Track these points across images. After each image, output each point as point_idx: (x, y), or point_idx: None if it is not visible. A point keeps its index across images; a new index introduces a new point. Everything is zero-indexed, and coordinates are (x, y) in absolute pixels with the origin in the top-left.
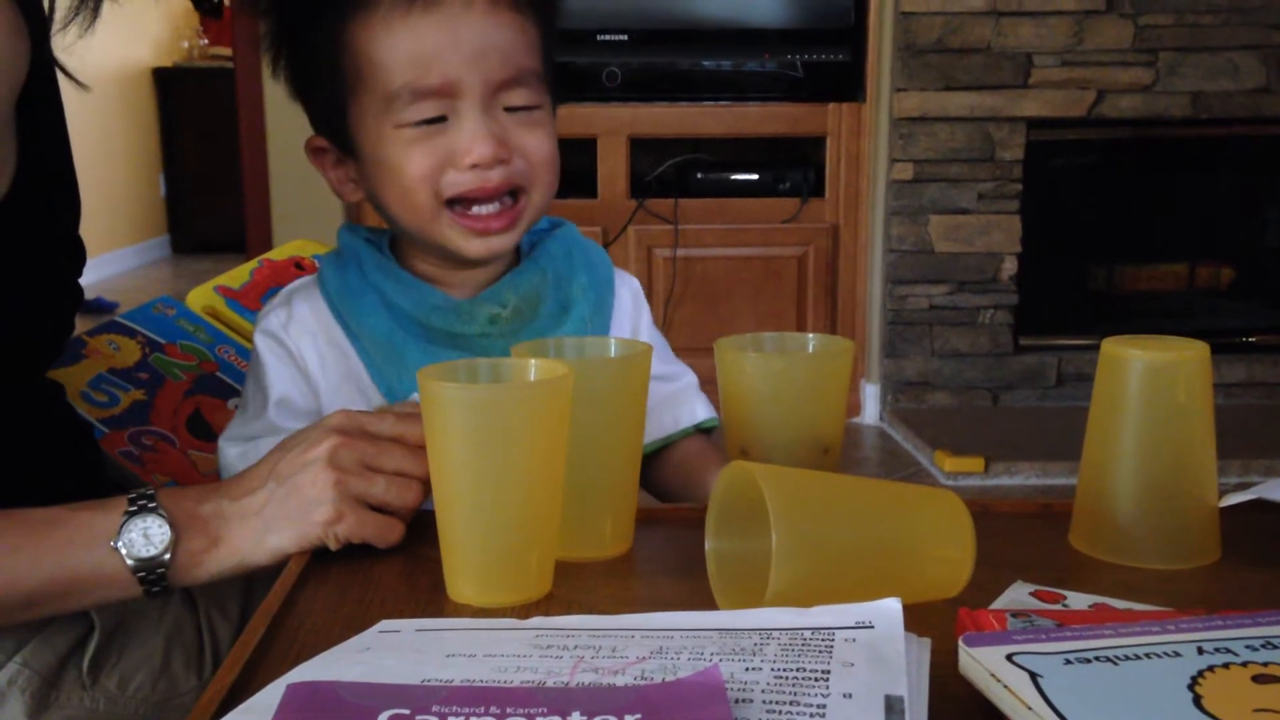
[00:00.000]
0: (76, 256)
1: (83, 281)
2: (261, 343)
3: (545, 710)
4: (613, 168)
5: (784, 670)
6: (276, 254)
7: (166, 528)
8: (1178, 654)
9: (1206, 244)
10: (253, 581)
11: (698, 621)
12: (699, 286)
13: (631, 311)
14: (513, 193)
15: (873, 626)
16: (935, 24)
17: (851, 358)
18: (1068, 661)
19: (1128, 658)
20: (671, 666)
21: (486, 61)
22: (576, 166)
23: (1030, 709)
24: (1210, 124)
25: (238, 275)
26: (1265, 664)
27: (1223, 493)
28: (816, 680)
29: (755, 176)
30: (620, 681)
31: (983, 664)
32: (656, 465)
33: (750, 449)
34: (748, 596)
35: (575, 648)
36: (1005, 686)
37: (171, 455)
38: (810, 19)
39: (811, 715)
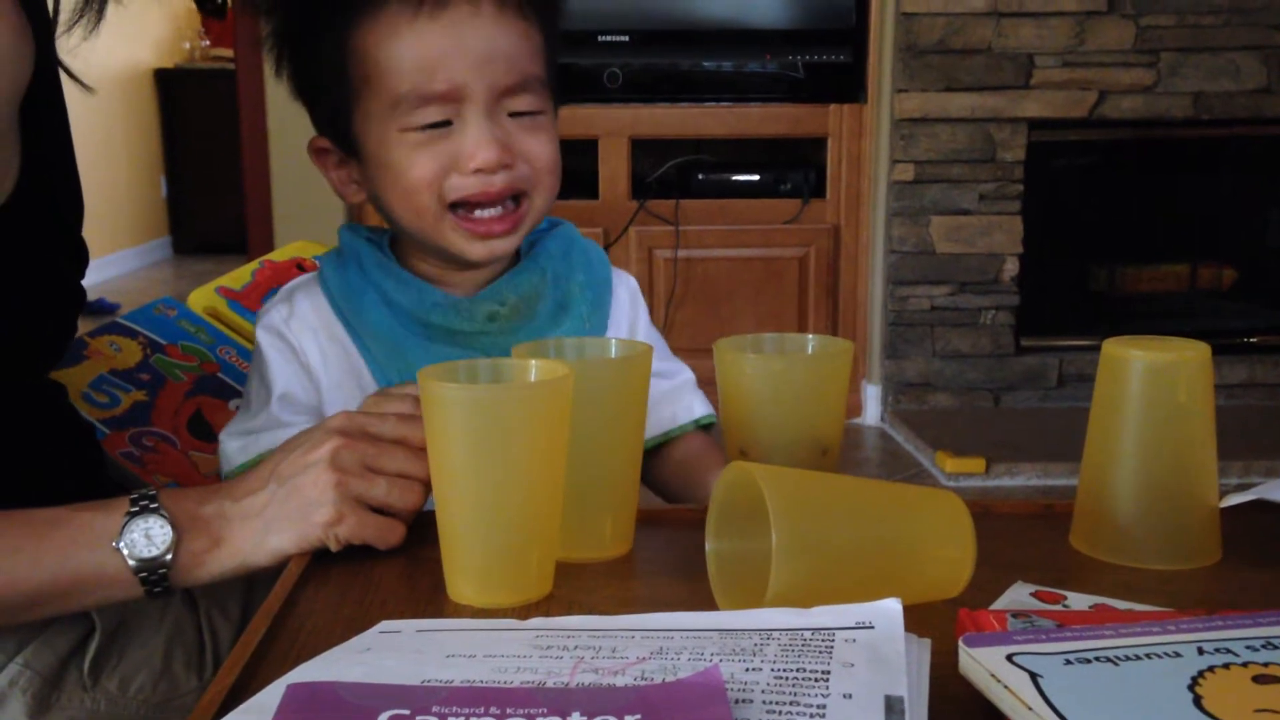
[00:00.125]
0: (79, 258)
1: (84, 283)
2: (264, 338)
3: (545, 711)
4: (614, 169)
5: (784, 671)
6: (278, 255)
7: (168, 528)
8: (1178, 654)
9: (1208, 245)
10: (253, 582)
11: (698, 622)
12: (700, 287)
13: (629, 310)
14: (515, 197)
15: (873, 627)
16: (936, 25)
17: (851, 359)
18: (1068, 662)
19: (1128, 658)
20: (672, 667)
21: (492, 67)
22: (578, 167)
23: (1030, 709)
24: (1211, 125)
25: (239, 276)
26: (1266, 664)
27: (1223, 493)
28: (816, 681)
29: (756, 177)
30: (620, 682)
31: (983, 664)
32: (656, 462)
33: (749, 449)
34: (748, 597)
35: (575, 648)
36: (1005, 687)
37: (172, 456)
38: (811, 20)
39: (811, 715)
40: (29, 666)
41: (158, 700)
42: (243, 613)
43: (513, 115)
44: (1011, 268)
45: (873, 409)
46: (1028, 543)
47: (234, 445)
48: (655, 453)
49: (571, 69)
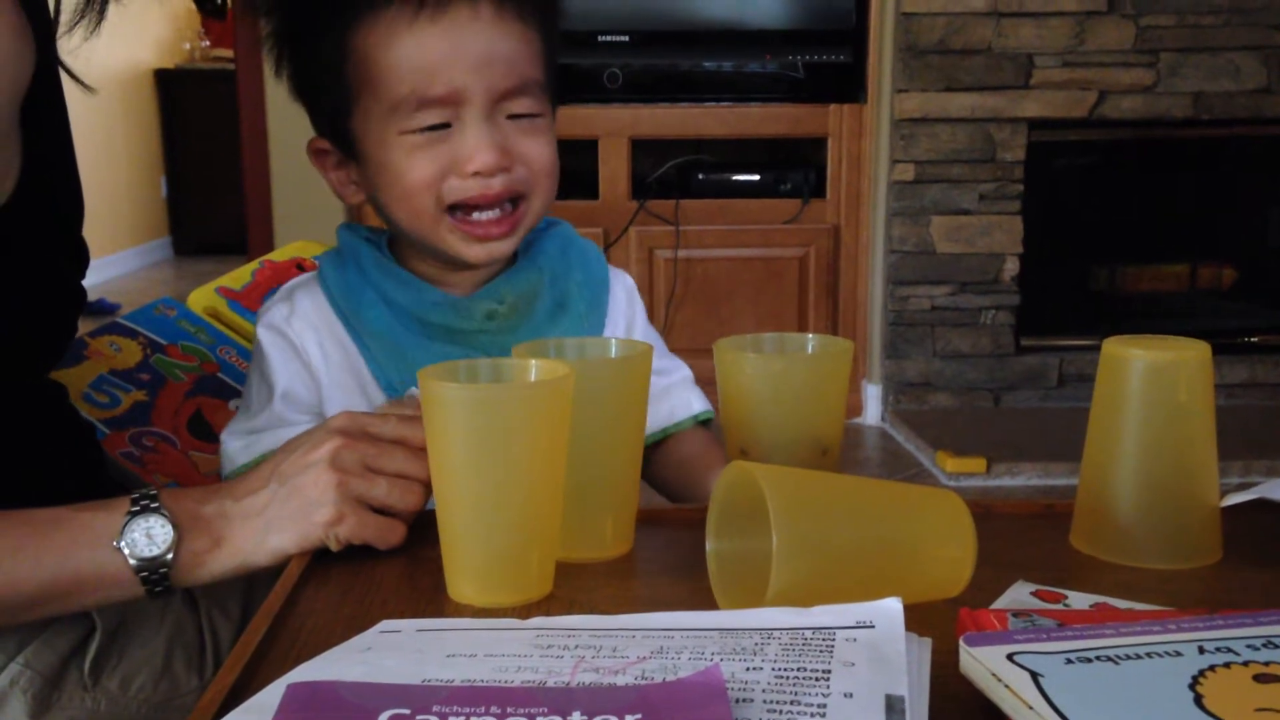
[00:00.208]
0: (79, 258)
1: (84, 283)
2: (265, 336)
3: (546, 710)
4: (614, 169)
5: (785, 670)
6: (278, 255)
7: (169, 528)
8: (1179, 653)
9: (1208, 244)
10: (254, 582)
11: (698, 621)
12: (700, 287)
13: (626, 308)
14: (513, 199)
15: (873, 626)
16: (936, 25)
17: (851, 359)
18: (1069, 661)
19: (1129, 657)
20: (672, 666)
21: (491, 71)
22: (578, 168)
23: (1031, 708)
24: (1211, 125)
25: (239, 276)
26: (1266, 663)
27: (1224, 493)
28: (817, 680)
29: (756, 177)
30: (621, 681)
31: (984, 664)
32: (656, 459)
33: (750, 449)
34: (748, 596)
35: (576, 647)
36: (1006, 686)
37: (172, 456)
38: (811, 20)
39: (812, 715)
40: (30, 666)
41: (158, 700)
42: (243, 612)
43: (511, 117)
44: (1012, 267)
45: (873, 409)
46: (1028, 542)
47: (236, 445)
48: (654, 449)
49: (572, 69)
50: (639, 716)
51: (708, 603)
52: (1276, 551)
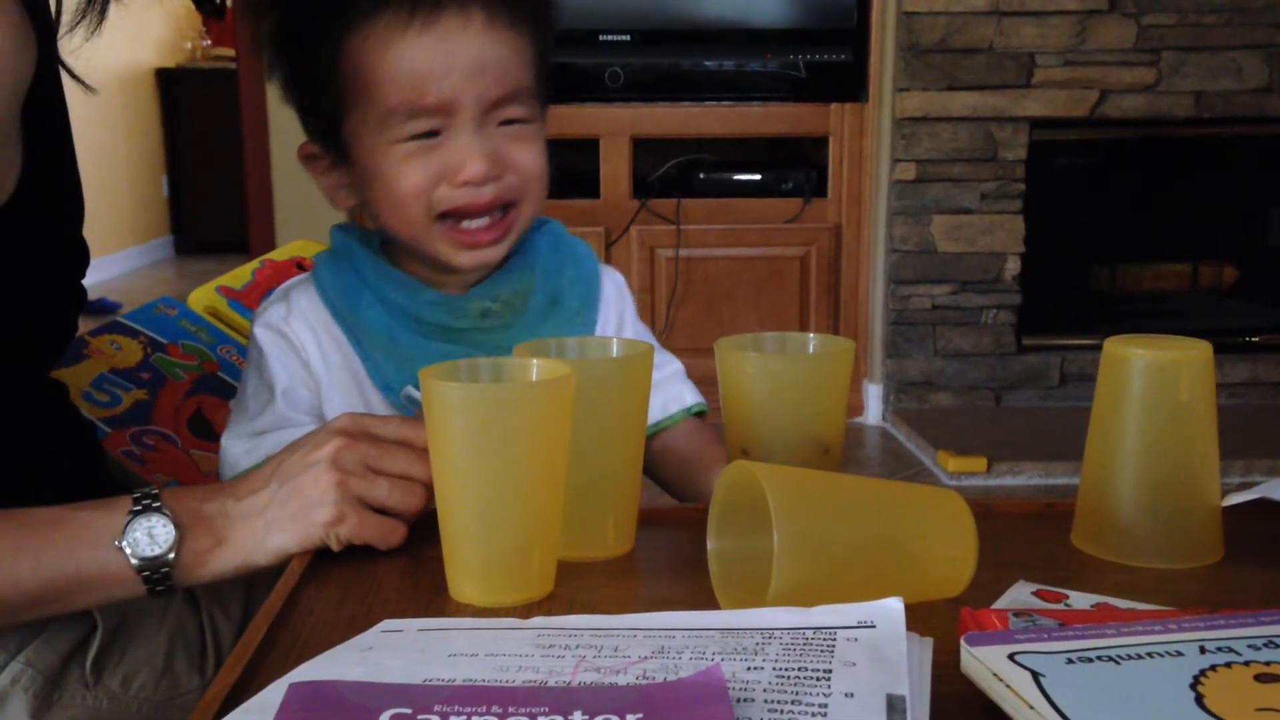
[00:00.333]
0: (80, 258)
1: (86, 282)
2: (264, 336)
3: (547, 710)
4: (615, 168)
5: (786, 670)
6: (278, 254)
7: (171, 527)
8: (1180, 653)
9: (1209, 244)
10: (255, 581)
11: (699, 621)
12: (701, 286)
13: (617, 303)
14: (503, 206)
15: (874, 626)
16: (938, 24)
17: (852, 358)
18: (1070, 661)
19: (1130, 657)
20: (673, 666)
21: (482, 80)
22: (579, 167)
23: (1032, 708)
24: (1213, 124)
25: (239, 275)
26: (1267, 663)
27: (1225, 492)
28: (818, 680)
29: (758, 177)
30: (622, 681)
31: (985, 663)
32: (650, 452)
33: (751, 449)
34: (749, 596)
35: (577, 647)
36: (1007, 686)
37: (173, 455)
38: (813, 19)
39: (813, 715)
40: (31, 665)
41: (159, 699)
42: (244, 612)
43: (502, 124)
44: (1013, 267)
45: (874, 408)
46: (1029, 542)
47: (239, 448)
48: (649, 443)
49: (573, 68)
50: (640, 716)
51: (709, 602)
52: (1277, 551)
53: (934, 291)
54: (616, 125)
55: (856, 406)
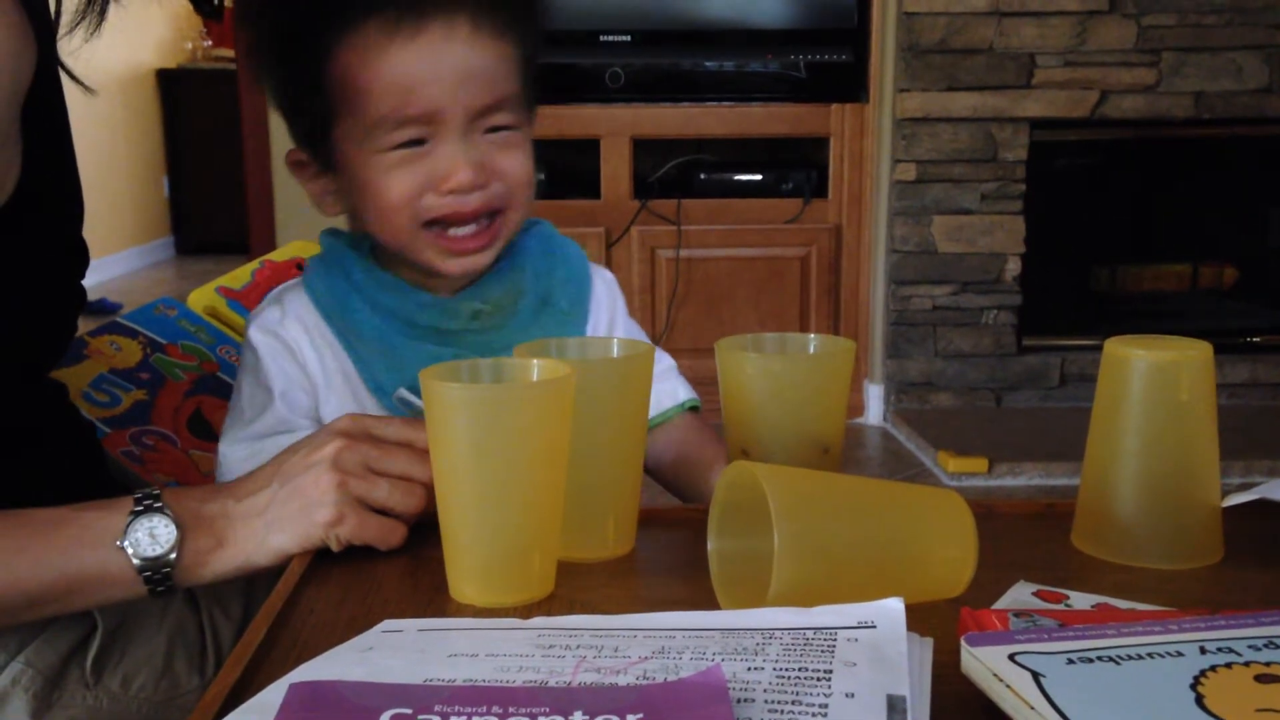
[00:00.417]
0: (80, 258)
1: (87, 283)
2: (259, 339)
3: (548, 710)
4: (616, 168)
5: (786, 670)
6: (278, 255)
7: (172, 527)
8: (1180, 654)
9: (1209, 244)
10: (254, 581)
11: (700, 621)
12: (702, 287)
13: (608, 302)
14: (490, 213)
15: (875, 626)
16: (938, 24)
17: (852, 358)
18: (1070, 661)
19: (1130, 657)
20: (674, 666)
21: (468, 89)
22: (580, 167)
23: (1033, 708)
24: (1213, 124)
25: (239, 276)
26: (1268, 664)
27: (1225, 493)
28: (819, 680)
29: (758, 177)
30: (622, 681)
31: (985, 663)
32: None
33: (751, 449)
34: (750, 596)
35: (577, 647)
36: (1008, 686)
37: (172, 455)
38: (813, 19)
39: (814, 715)
40: (31, 665)
41: (160, 699)
42: (244, 612)
43: (489, 130)
44: (1013, 267)
45: (875, 408)
46: (1030, 542)
47: (239, 454)
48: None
49: (573, 69)
50: (640, 716)
51: (709, 602)
52: (1278, 552)
53: (934, 292)
54: (617, 125)
55: (857, 407)
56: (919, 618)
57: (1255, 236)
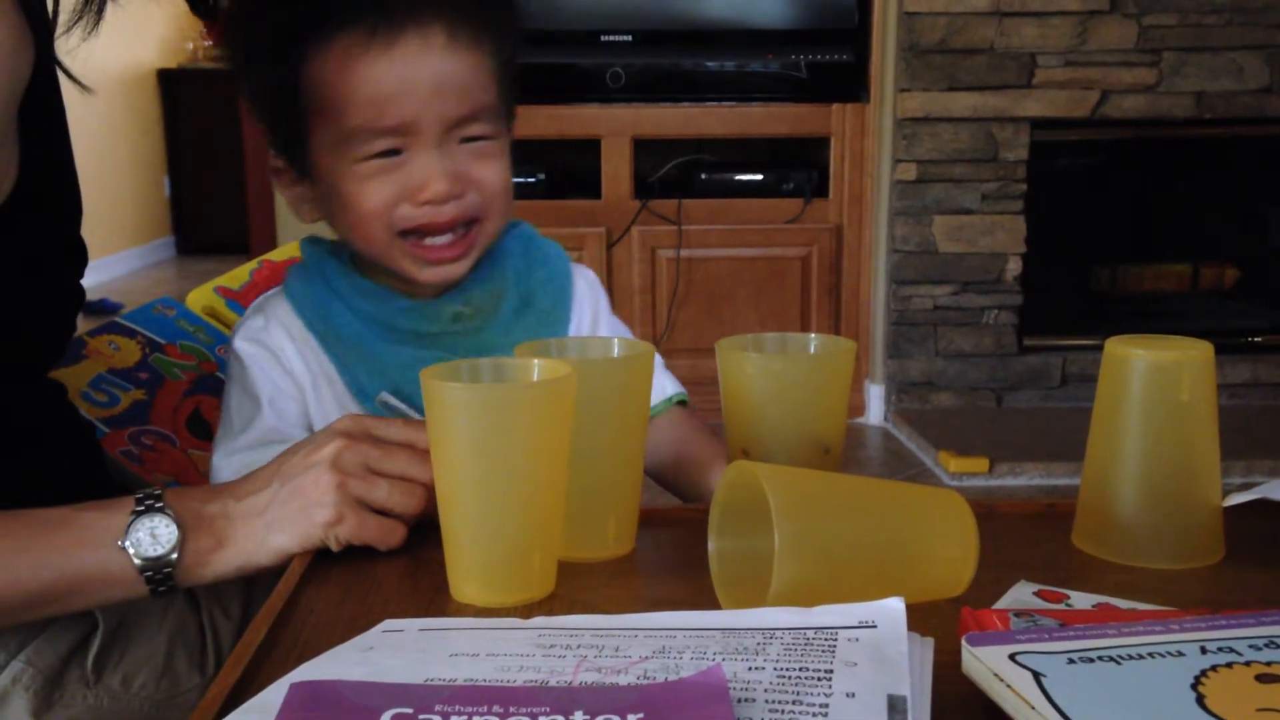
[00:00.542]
0: (78, 258)
1: (88, 283)
2: (244, 348)
3: (548, 709)
4: (616, 168)
5: (787, 670)
6: (276, 255)
7: (174, 527)
8: (1181, 654)
9: (1210, 244)
10: (254, 580)
11: (700, 621)
12: (702, 287)
13: (591, 300)
14: (466, 223)
15: (876, 626)
16: (939, 24)
17: (853, 358)
18: (1071, 661)
19: (1131, 657)
20: (674, 666)
21: (443, 100)
22: (580, 167)
23: (1033, 708)
24: (1214, 124)
25: (237, 276)
26: (1268, 663)
27: (1226, 492)
28: (819, 680)
29: (759, 177)
30: (623, 681)
31: (986, 663)
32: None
33: (751, 449)
34: (750, 596)
35: (578, 647)
36: (1008, 686)
37: (171, 454)
38: (814, 19)
39: (814, 715)
40: (31, 664)
41: (160, 697)
42: (244, 611)
43: (465, 140)
44: (1014, 267)
45: (875, 408)
46: (1030, 542)
47: (232, 465)
48: None
49: (574, 69)
50: (641, 716)
51: (710, 602)
52: (1278, 552)
53: (935, 292)
54: (618, 126)
55: (858, 407)
56: (920, 618)
57: (1256, 236)
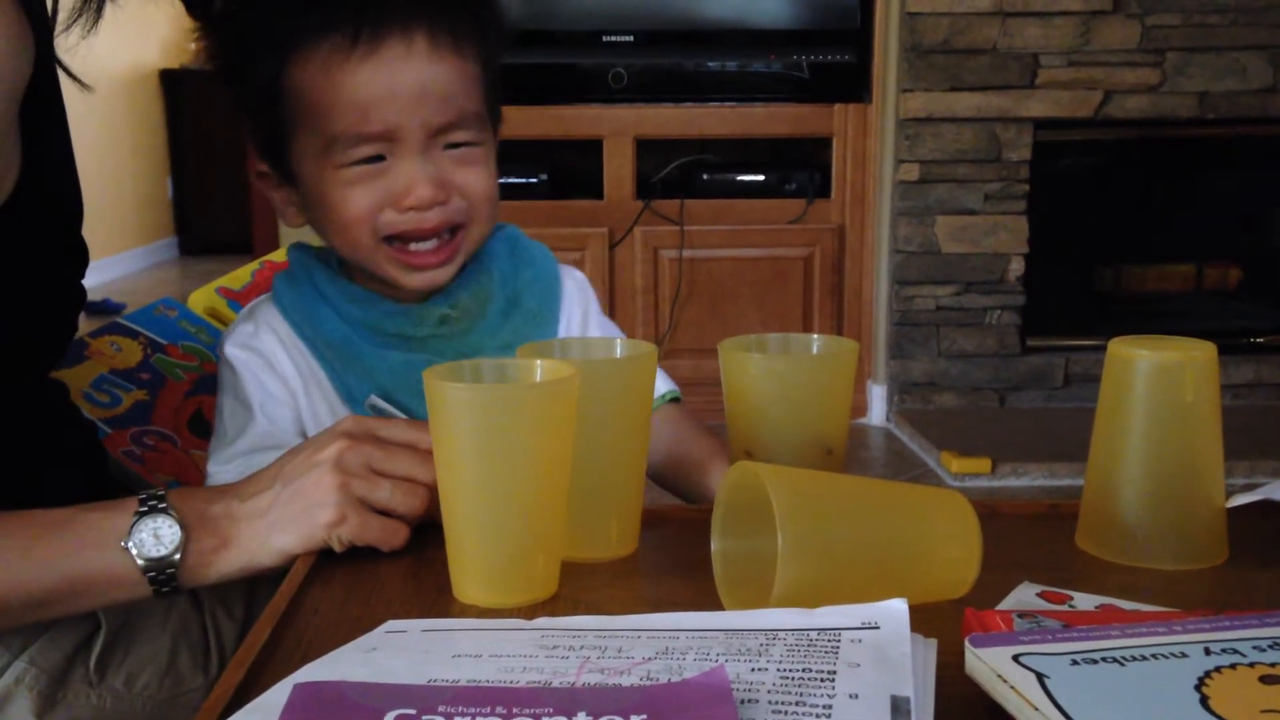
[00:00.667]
0: (79, 258)
1: (90, 283)
2: (235, 354)
3: (551, 710)
4: (619, 169)
5: (790, 671)
6: (278, 255)
7: (177, 528)
8: (1185, 655)
9: (1213, 244)
10: (257, 581)
11: (703, 622)
12: (705, 287)
13: (579, 300)
14: (451, 229)
15: (879, 627)
16: (941, 24)
17: (856, 359)
18: (1074, 662)
19: (1134, 658)
20: (677, 667)
21: (426, 106)
22: (582, 168)
23: (1037, 709)
24: (1217, 124)
25: (239, 276)
26: (1272, 664)
27: (1230, 493)
28: (822, 681)
29: (761, 177)
30: (626, 682)
31: (989, 665)
32: None
33: (754, 450)
34: (753, 597)
35: (581, 648)
36: (1012, 687)
37: (173, 455)
38: (816, 19)
39: (817, 716)
40: (35, 664)
41: (164, 697)
42: (247, 611)
43: (449, 146)
44: (1017, 267)
45: (878, 409)
46: (1033, 543)
47: (228, 473)
48: None
49: (576, 69)
50: (644, 717)
51: (713, 603)
52: None
53: (938, 292)
54: (620, 126)
55: (860, 407)
56: (923, 619)
57: (1259, 237)
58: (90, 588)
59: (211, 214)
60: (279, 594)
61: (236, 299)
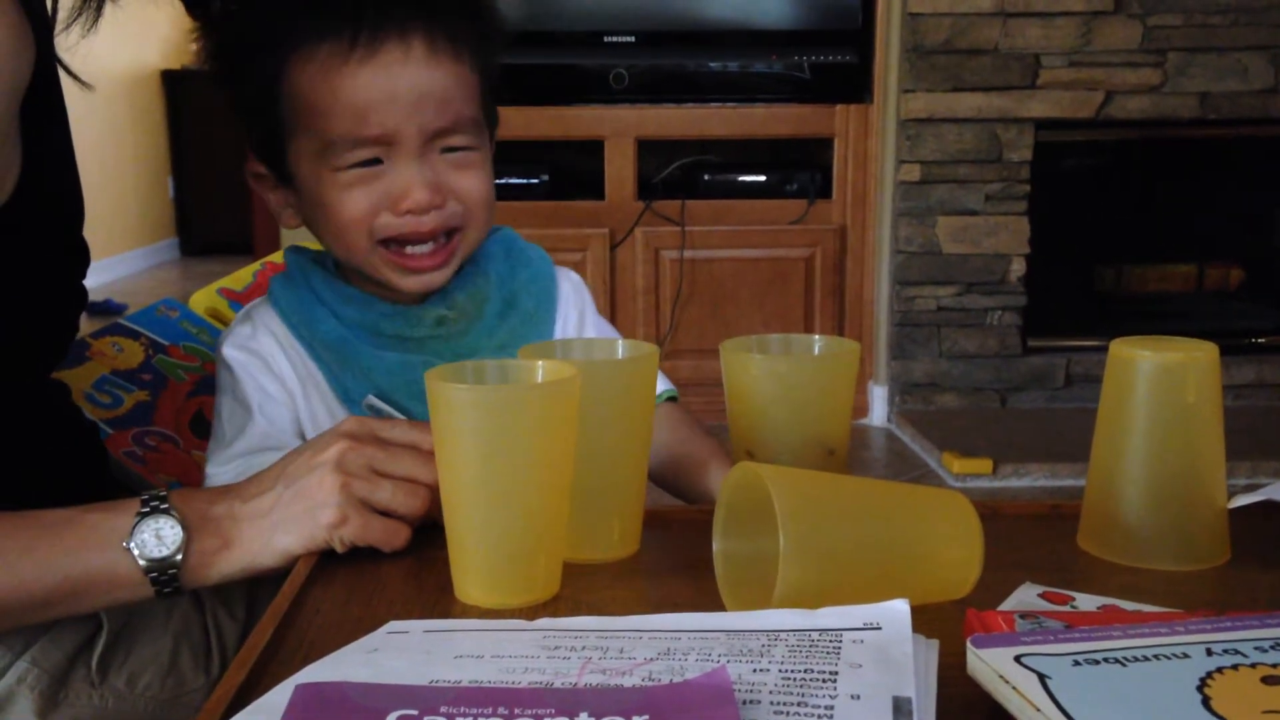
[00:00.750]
0: (80, 258)
1: (92, 284)
2: (233, 356)
3: (553, 711)
4: (620, 169)
5: (791, 671)
6: (279, 256)
7: (178, 528)
8: (1186, 655)
9: (1215, 245)
10: (259, 582)
11: (705, 623)
12: (706, 288)
13: (575, 301)
14: (447, 232)
15: (880, 628)
16: (943, 25)
17: (857, 360)
18: (1076, 663)
19: (1136, 659)
20: (679, 668)
21: (423, 111)
22: (584, 168)
23: (1039, 710)
24: (1218, 125)
25: (240, 277)
26: (1274, 665)
27: (1232, 494)
28: (824, 681)
29: (762, 178)
30: (628, 682)
31: (991, 665)
32: None
33: (755, 451)
34: (755, 598)
35: (583, 649)
36: (1013, 688)
37: (174, 455)
38: (817, 20)
39: (819, 716)
40: (36, 664)
41: (165, 697)
42: (248, 612)
43: (445, 150)
44: (1018, 268)
45: (879, 410)
46: (1035, 543)
47: (226, 474)
48: None
49: (577, 70)
50: (646, 718)
51: (714, 604)
52: None
53: (939, 293)
54: (621, 127)
55: (861, 408)
56: (924, 619)
57: (1261, 237)
58: (92, 588)
59: (213, 214)
60: (281, 594)
61: (238, 300)
